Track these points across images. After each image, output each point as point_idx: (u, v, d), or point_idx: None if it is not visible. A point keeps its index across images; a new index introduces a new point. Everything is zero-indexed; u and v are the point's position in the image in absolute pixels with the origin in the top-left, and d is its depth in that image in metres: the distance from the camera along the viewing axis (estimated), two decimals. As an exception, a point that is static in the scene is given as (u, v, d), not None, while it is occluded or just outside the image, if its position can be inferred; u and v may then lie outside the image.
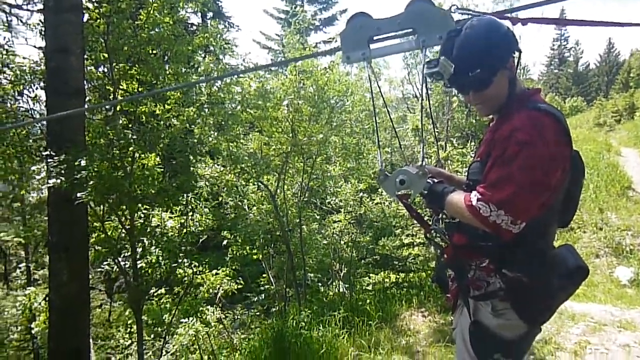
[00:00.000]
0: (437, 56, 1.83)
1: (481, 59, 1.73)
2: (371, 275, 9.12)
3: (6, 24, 7.89)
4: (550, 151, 1.62)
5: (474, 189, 1.73)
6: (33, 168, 5.56)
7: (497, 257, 1.81)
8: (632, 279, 8.71)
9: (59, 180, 4.72)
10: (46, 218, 9.95)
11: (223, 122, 7.41)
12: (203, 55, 8.74)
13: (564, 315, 5.62)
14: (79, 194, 4.80)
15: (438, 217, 2.06)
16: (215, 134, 7.52)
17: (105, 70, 6.21)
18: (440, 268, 2.27)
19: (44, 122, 6.26)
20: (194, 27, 15.87)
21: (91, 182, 4.85)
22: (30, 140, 6.38)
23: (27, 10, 7.85)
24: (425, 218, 2.05)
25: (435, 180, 1.94)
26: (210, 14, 19.66)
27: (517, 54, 1.81)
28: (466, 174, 2.04)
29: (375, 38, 1.58)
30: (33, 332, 8.66)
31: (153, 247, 5.95)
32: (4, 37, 7.58)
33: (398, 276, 8.58)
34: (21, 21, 8.11)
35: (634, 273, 8.85)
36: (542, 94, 1.93)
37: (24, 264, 11.40)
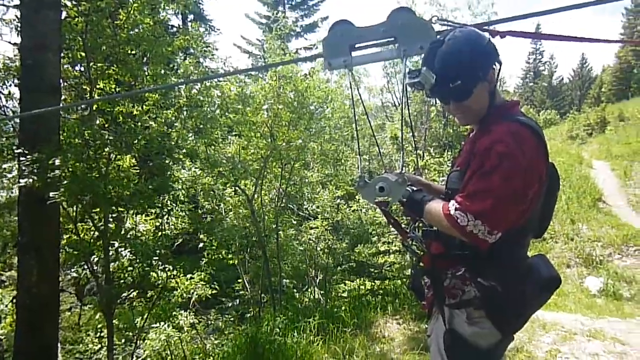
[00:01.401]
0: (417, 66, 1.85)
1: (462, 70, 1.75)
2: (347, 282, 9.13)
3: (-20, 19, 7.68)
4: (528, 163, 1.65)
5: (453, 198, 1.75)
6: (4, 166, 5.41)
7: (472, 266, 1.82)
8: (602, 288, 8.91)
9: (31, 180, 4.61)
10: (15, 218, 9.74)
11: (202, 125, 7.35)
12: (183, 57, 8.67)
13: (535, 324, 5.71)
14: (51, 194, 4.70)
15: (415, 224, 2.08)
16: (193, 136, 7.45)
17: (82, 69, 6.10)
18: (416, 275, 2.29)
19: (17, 120, 6.11)
20: (174, 29, 15.75)
21: (65, 182, 4.75)
22: (3, 138, 6.21)
23: (2, 5, 7.66)
24: (403, 225, 2.07)
25: (415, 189, 1.95)
26: (191, 17, 19.53)
27: (497, 66, 1.84)
28: (445, 182, 2.06)
29: (357, 46, 1.60)
30: (-2, 334, 8.41)
31: (126, 250, 5.85)
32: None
33: (373, 283, 8.60)
34: (-4, 16, 7.92)
35: (603, 283, 9.06)
36: (520, 106, 1.96)
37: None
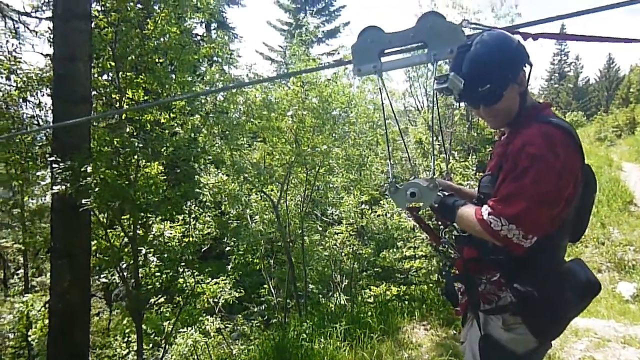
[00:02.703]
0: (443, 70, 1.84)
1: (491, 73, 1.73)
2: (372, 287, 9.07)
3: (14, 31, 7.94)
4: (561, 164, 1.61)
5: (485, 202, 1.72)
6: (37, 174, 5.56)
7: (508, 271, 1.79)
8: (635, 294, 8.66)
9: (63, 187, 4.72)
10: (45, 225, 9.99)
11: (227, 132, 7.43)
12: (209, 65, 8.79)
13: (568, 330, 5.57)
14: (83, 201, 4.81)
15: (446, 230, 2.06)
16: (220, 142, 7.54)
17: (112, 78, 6.24)
18: (449, 281, 2.27)
19: (49, 129, 6.28)
20: (198, 38, 15.98)
21: (96, 189, 4.85)
22: (36, 147, 6.40)
23: (36, 17, 7.90)
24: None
25: (446, 193, 1.93)
26: (214, 25, 19.78)
27: (527, 67, 1.81)
28: (477, 187, 2.04)
29: (386, 51, 1.60)
30: (29, 339, 8.60)
31: (154, 256, 5.94)
32: (12, 44, 7.62)
33: (399, 289, 8.52)
34: (28, 28, 8.18)
35: (636, 288, 8.81)
36: (552, 108, 1.93)
37: (22, 270, 11.37)
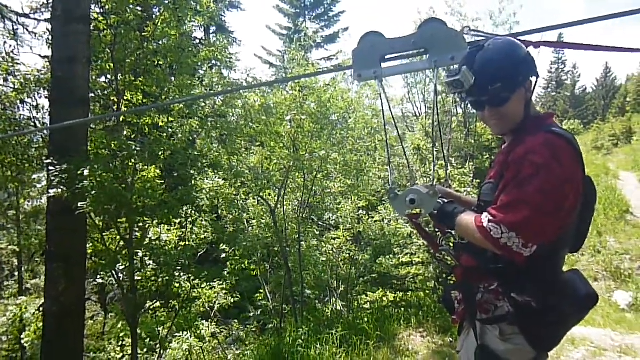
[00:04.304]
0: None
1: (503, 73, 1.73)
2: (369, 293, 9.05)
3: (12, 32, 7.92)
4: (564, 174, 1.61)
5: (485, 210, 1.71)
6: (34, 177, 5.53)
7: (506, 281, 1.78)
8: (631, 303, 8.66)
9: (60, 190, 4.69)
10: (40, 227, 9.94)
11: (225, 136, 7.41)
12: (206, 68, 8.78)
13: (564, 339, 5.56)
14: (79, 204, 4.77)
15: (445, 237, 2.04)
16: (217, 146, 7.52)
17: (110, 80, 6.22)
18: (447, 289, 2.25)
19: (46, 131, 6.26)
20: (197, 41, 15.98)
21: (92, 192, 4.82)
22: (32, 149, 6.36)
23: (34, 19, 7.88)
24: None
25: (446, 201, 1.92)
26: (213, 28, 19.80)
27: (535, 78, 1.81)
28: (477, 195, 2.03)
29: (387, 57, 1.59)
30: (23, 342, 8.53)
31: (150, 260, 5.91)
32: (10, 45, 7.59)
33: (396, 295, 8.51)
34: (27, 30, 8.15)
35: (632, 297, 8.80)
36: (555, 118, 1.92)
37: (17, 273, 11.31)
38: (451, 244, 2.03)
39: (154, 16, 6.10)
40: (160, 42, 6.05)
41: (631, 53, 1.51)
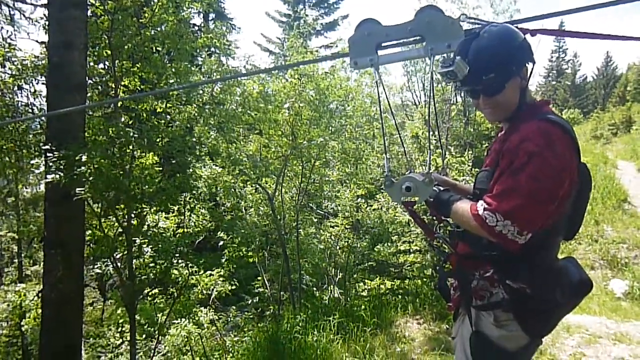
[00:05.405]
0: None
1: (497, 62, 1.73)
2: (366, 281, 9.08)
3: (9, 18, 7.86)
4: (558, 162, 1.61)
5: (481, 198, 1.72)
6: (32, 162, 5.51)
7: (501, 268, 1.79)
8: (627, 291, 8.72)
9: (58, 176, 4.68)
10: (39, 214, 9.96)
11: (223, 123, 7.39)
12: (205, 56, 8.73)
13: (559, 326, 5.59)
14: (77, 190, 4.77)
15: (441, 225, 2.05)
16: (215, 134, 7.50)
17: (108, 66, 6.19)
18: (442, 276, 2.26)
19: (43, 117, 6.23)
20: (196, 28, 15.88)
21: (90, 179, 4.82)
22: (30, 135, 6.34)
23: (31, 4, 7.82)
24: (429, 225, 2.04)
25: (442, 188, 1.93)
26: (212, 15, 19.66)
27: (530, 65, 1.81)
28: (473, 183, 2.03)
29: (383, 45, 1.58)
30: (23, 328, 8.59)
31: (149, 247, 5.92)
32: (7, 31, 7.54)
33: (393, 283, 8.53)
34: (24, 15, 8.09)
35: (628, 286, 8.86)
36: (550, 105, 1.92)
37: (16, 260, 11.34)
38: (447, 232, 2.04)
39: (151, 2, 6.03)
40: (158, 29, 6.00)
41: (632, 42, 1.50)
